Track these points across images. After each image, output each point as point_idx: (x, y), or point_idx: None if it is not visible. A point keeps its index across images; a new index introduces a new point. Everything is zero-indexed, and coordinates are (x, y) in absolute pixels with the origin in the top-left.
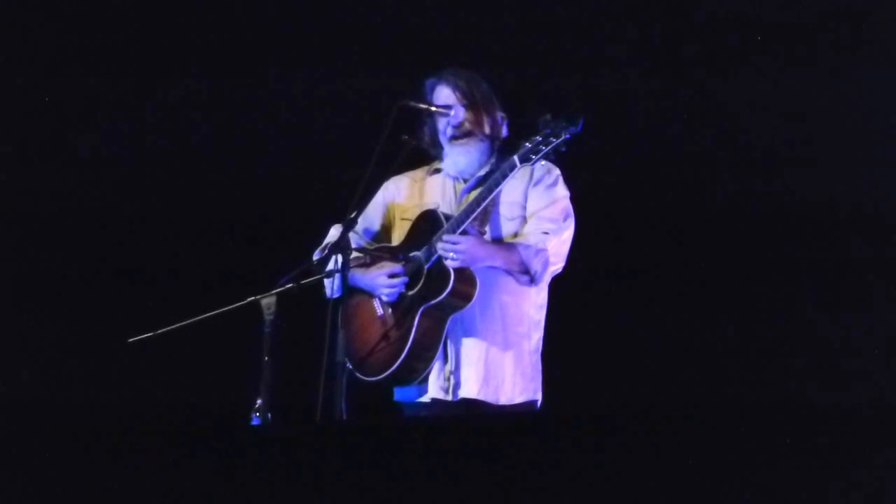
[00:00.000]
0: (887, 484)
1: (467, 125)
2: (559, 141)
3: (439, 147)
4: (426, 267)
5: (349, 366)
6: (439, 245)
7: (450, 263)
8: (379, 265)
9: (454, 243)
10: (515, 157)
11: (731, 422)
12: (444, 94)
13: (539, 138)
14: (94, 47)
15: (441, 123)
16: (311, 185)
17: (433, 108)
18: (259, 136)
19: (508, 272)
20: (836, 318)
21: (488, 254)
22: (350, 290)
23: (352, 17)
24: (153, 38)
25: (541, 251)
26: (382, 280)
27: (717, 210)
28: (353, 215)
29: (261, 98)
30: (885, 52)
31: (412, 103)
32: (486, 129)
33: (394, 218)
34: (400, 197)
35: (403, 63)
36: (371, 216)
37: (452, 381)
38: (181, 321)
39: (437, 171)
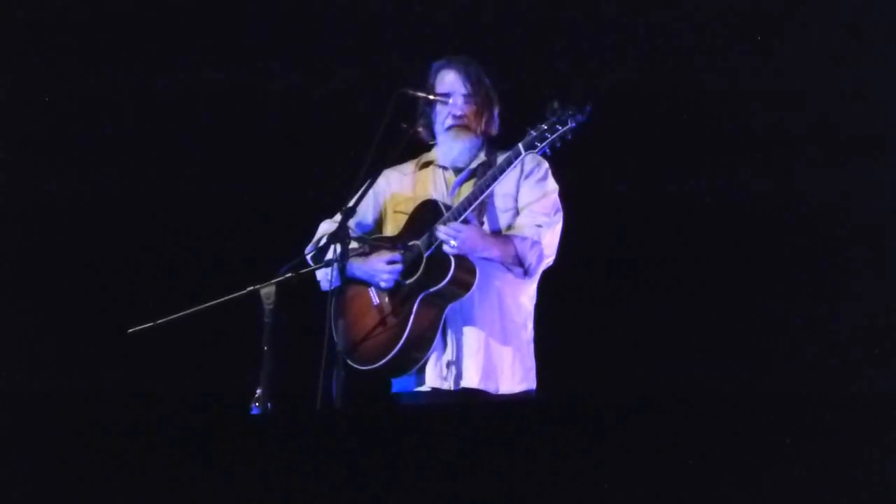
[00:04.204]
0: (886, 477)
1: (466, 116)
2: (565, 129)
3: (434, 135)
4: (426, 255)
5: (343, 356)
6: (442, 230)
7: (449, 250)
8: (378, 253)
9: (457, 231)
10: (520, 145)
11: (718, 408)
12: (450, 80)
13: (545, 126)
14: (90, 42)
15: (440, 111)
16: (311, 174)
17: (431, 97)
18: (258, 125)
19: (503, 264)
20: (828, 311)
21: (486, 245)
22: (346, 280)
23: (349, 5)
24: (147, 32)
25: (536, 244)
26: (382, 267)
27: (707, 200)
28: (351, 204)
29: (259, 88)
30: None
31: (410, 91)
32: (483, 124)
33: (386, 211)
34: (392, 190)
35: (400, 53)
36: (363, 209)
37: (453, 370)
38: (181, 311)
39: (428, 164)
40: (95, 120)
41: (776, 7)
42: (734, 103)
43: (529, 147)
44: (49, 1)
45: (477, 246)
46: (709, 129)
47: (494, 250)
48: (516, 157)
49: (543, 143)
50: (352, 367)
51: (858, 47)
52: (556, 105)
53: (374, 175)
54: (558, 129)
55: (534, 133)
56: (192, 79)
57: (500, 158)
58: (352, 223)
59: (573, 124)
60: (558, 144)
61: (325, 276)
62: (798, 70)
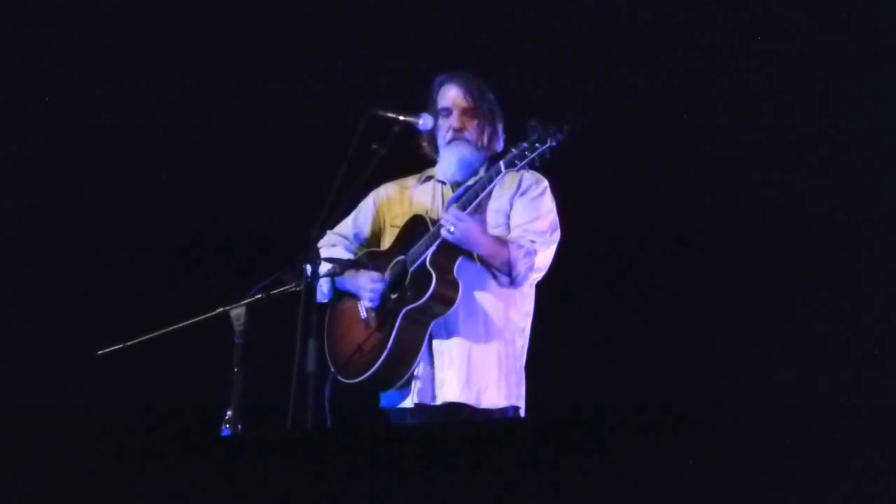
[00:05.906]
0: (887, 486)
1: (467, 130)
2: (545, 147)
3: (437, 151)
4: (410, 270)
5: (332, 370)
6: (444, 215)
7: (445, 235)
8: (367, 270)
9: (458, 218)
10: (501, 163)
11: (715, 428)
12: (452, 95)
13: (525, 144)
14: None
15: (442, 126)
16: (282, 195)
17: (401, 118)
18: (229, 146)
19: (491, 269)
20: (826, 319)
21: (482, 240)
22: (338, 294)
23: (333, 21)
24: (116, 47)
25: (530, 254)
26: (366, 284)
27: (703, 216)
28: (321, 225)
29: (232, 109)
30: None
31: (381, 112)
32: (484, 140)
33: (384, 224)
34: (391, 203)
35: (374, 71)
36: (361, 222)
37: (435, 383)
38: (151, 333)
39: (429, 178)
40: (66, 135)
41: (776, 9)
42: (732, 110)
43: (510, 165)
44: (49, 2)
45: (474, 238)
46: (706, 136)
47: (489, 248)
48: (497, 175)
49: (523, 161)
50: (339, 381)
51: (861, 51)
52: (535, 123)
53: (346, 196)
54: (538, 148)
55: (515, 151)
56: (167, 95)
57: (484, 176)
58: (350, 235)
59: (553, 143)
60: (538, 163)
61: (318, 289)
62: (799, 74)
